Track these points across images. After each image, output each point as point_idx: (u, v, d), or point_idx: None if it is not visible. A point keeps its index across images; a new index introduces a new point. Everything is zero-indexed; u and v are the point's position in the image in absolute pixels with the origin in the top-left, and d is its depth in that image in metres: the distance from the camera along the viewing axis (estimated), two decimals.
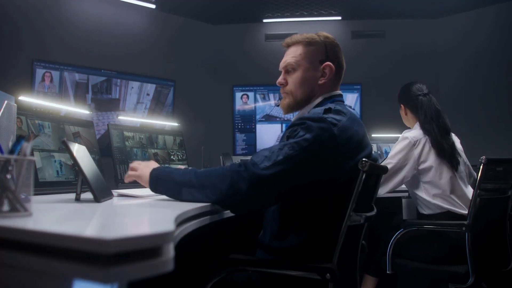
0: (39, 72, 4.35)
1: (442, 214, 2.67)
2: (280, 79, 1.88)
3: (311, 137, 1.55)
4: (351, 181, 1.58)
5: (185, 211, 1.28)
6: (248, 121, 5.58)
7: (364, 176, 1.57)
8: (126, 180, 1.77)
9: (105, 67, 4.78)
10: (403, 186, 2.82)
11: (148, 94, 5.15)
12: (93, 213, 1.22)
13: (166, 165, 1.67)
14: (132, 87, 5.02)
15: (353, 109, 5.40)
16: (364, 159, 1.57)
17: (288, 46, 1.90)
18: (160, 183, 1.62)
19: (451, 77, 5.21)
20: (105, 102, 4.85)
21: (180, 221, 1.19)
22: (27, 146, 0.97)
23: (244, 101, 5.57)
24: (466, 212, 2.63)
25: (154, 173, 1.64)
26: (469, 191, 2.75)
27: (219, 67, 5.47)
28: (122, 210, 1.39)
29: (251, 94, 5.56)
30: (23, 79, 4.25)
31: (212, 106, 5.46)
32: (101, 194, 1.57)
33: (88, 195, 1.56)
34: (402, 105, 2.99)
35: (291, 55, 1.86)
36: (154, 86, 5.16)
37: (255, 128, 5.57)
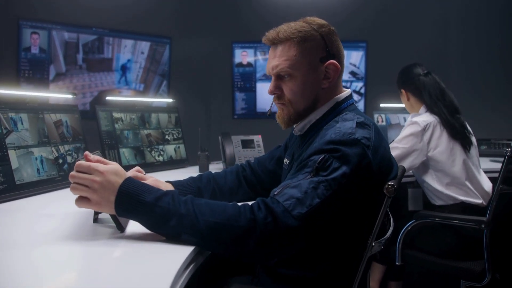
0: (26, 32, 4.07)
1: (456, 205, 2.50)
2: (273, 88, 1.55)
3: (350, 171, 1.28)
4: (374, 206, 1.39)
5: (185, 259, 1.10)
6: (248, 80, 5.33)
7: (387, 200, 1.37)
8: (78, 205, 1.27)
9: (96, 25, 4.48)
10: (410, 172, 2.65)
11: (142, 53, 4.87)
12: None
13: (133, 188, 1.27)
14: (126, 46, 4.73)
15: (358, 67, 5.14)
16: (390, 183, 1.34)
17: (275, 44, 1.53)
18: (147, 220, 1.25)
19: (465, 35, 4.92)
20: (97, 62, 4.58)
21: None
22: None
23: (243, 59, 5.29)
24: (481, 201, 2.50)
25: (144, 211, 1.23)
26: (483, 178, 2.59)
27: (217, 22, 5.15)
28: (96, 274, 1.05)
29: (250, 51, 5.27)
30: (8, 40, 3.97)
31: (210, 64, 5.18)
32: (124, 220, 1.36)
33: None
34: (403, 90, 2.78)
35: (283, 57, 1.49)
36: (148, 44, 4.88)
37: (255, 87, 5.32)
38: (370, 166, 1.33)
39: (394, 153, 2.43)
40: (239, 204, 1.28)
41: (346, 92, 1.59)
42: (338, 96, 1.56)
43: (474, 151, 2.63)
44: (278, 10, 4.96)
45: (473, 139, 2.64)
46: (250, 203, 1.28)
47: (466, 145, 2.56)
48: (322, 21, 1.55)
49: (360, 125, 1.39)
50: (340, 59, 1.55)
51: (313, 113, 1.55)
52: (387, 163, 1.43)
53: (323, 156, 1.30)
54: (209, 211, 1.23)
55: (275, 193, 1.29)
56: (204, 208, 1.23)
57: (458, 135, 2.56)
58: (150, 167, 2.78)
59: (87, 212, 1.53)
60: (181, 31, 4.95)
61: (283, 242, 1.24)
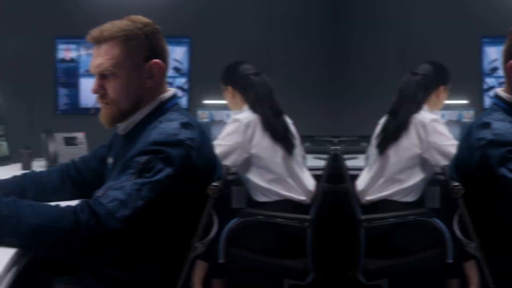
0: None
1: (279, 202, 2.58)
2: (96, 87, 1.48)
3: (174, 172, 1.28)
4: (198, 207, 1.41)
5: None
6: (71, 75, 5.07)
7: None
8: None
9: None
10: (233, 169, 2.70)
11: None
12: None
13: None
14: None
15: (181, 63, 5.12)
16: (214, 184, 1.38)
17: (98, 42, 1.48)
18: None
19: (288, 34, 5.08)
20: None
21: None
22: None
23: (66, 54, 5.04)
24: (304, 198, 2.59)
25: None
26: (306, 176, 2.70)
27: (39, 17, 4.76)
28: None
29: (74, 47, 5.01)
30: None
31: (32, 60, 4.73)
32: None
33: None
34: (229, 87, 2.80)
35: (107, 55, 1.44)
36: None
37: (78, 82, 5.08)
38: (194, 167, 1.34)
39: (217, 150, 2.42)
40: (63, 205, 1.23)
41: (170, 92, 1.58)
42: (162, 95, 1.54)
43: (297, 150, 2.70)
44: (100, 4, 4.77)
45: (296, 142, 2.71)
46: (74, 204, 1.23)
47: (288, 148, 2.63)
48: (147, 20, 1.53)
49: (184, 125, 1.40)
50: (164, 58, 1.54)
51: (137, 112, 1.52)
52: (211, 164, 1.46)
53: (147, 157, 1.29)
54: (32, 213, 1.17)
55: (99, 194, 1.26)
56: (27, 210, 1.18)
57: (279, 137, 2.62)
58: None
59: None
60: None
61: (106, 245, 1.21)
